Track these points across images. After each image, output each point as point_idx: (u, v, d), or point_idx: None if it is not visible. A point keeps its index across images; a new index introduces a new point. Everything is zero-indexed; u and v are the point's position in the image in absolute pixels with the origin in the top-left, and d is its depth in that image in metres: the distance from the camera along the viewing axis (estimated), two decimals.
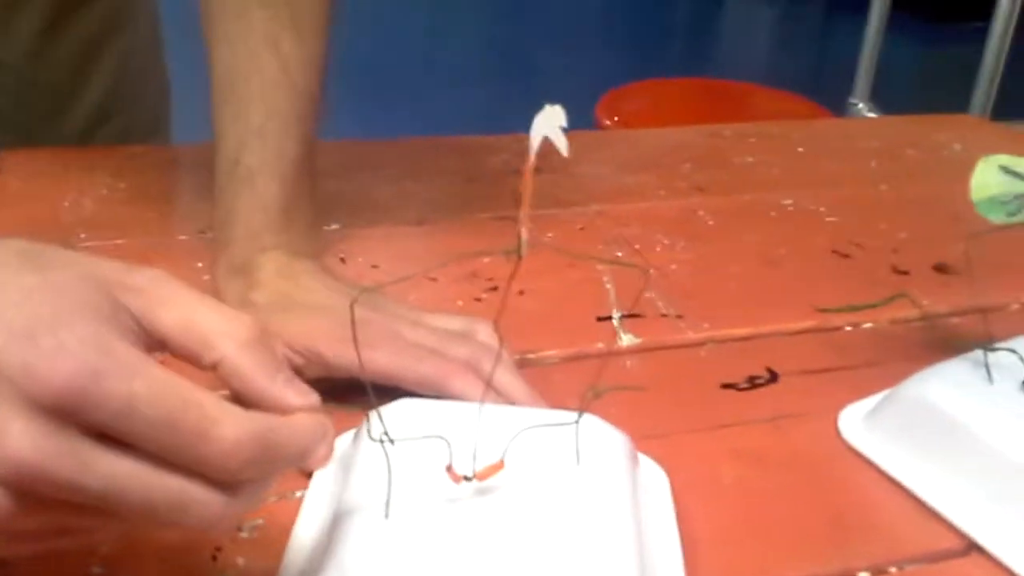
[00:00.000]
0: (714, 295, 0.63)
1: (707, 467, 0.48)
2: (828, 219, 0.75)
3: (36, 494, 0.29)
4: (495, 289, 0.62)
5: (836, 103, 2.21)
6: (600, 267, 0.65)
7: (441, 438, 0.38)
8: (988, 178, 0.51)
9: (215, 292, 0.54)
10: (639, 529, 0.39)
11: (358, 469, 0.40)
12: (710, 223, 0.73)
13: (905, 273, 0.68)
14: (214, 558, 0.41)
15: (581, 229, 0.71)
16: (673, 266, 0.66)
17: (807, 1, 4.86)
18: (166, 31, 0.91)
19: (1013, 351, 0.48)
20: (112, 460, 0.30)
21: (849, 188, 0.81)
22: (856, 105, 2.41)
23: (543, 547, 0.36)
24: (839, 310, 0.59)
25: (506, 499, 0.38)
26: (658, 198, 0.76)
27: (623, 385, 0.49)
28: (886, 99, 2.51)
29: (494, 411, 0.44)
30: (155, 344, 0.34)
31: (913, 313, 0.62)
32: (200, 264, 0.62)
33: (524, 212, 0.34)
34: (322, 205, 0.60)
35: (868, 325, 0.61)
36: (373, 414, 0.43)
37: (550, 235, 0.69)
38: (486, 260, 0.65)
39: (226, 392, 0.34)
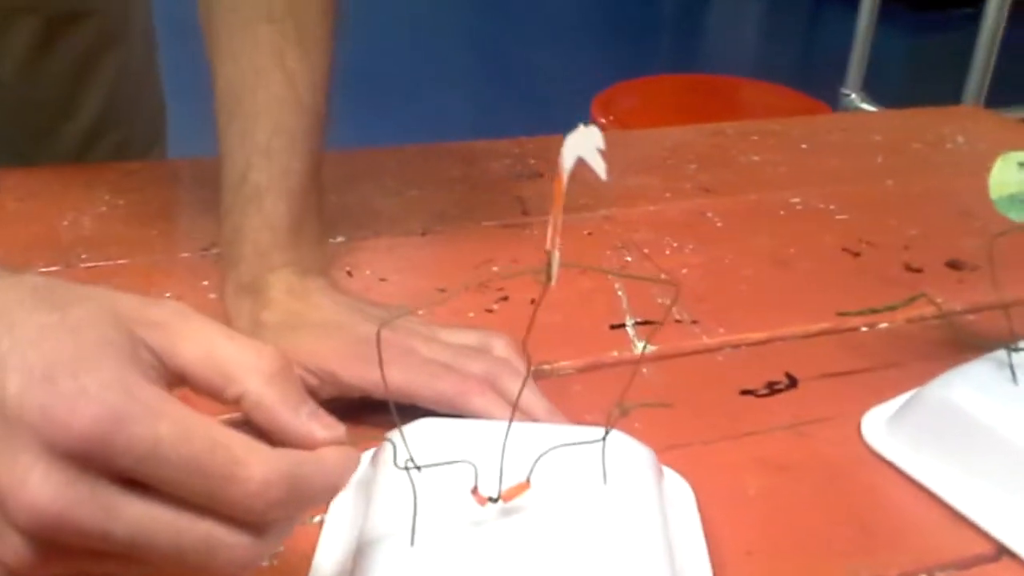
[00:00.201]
0: (727, 299, 0.62)
1: (731, 477, 0.47)
2: (837, 217, 0.74)
3: (58, 543, 0.28)
4: (506, 299, 0.61)
5: (827, 95, 2.20)
6: (611, 275, 0.64)
7: (467, 463, 0.37)
8: (1007, 176, 0.50)
9: (223, 312, 0.53)
10: (669, 546, 0.38)
11: (380, 494, 0.39)
12: (718, 225, 0.72)
13: (918, 271, 0.67)
14: None
15: (589, 234, 0.70)
16: (684, 270, 0.65)
17: None
18: (160, 45, 0.90)
19: None
20: (138, 506, 0.29)
21: (856, 185, 0.80)
22: (849, 96, 2.41)
23: (574, 571, 0.36)
24: (859, 313, 0.59)
25: (534, 521, 0.37)
26: (664, 200, 0.75)
27: (650, 402, 0.48)
28: (878, 89, 2.50)
29: (518, 429, 0.43)
30: (175, 379, 0.33)
31: (929, 311, 0.61)
32: (206, 282, 0.61)
33: (554, 236, 0.33)
34: (326, 218, 0.59)
35: (884, 325, 0.60)
36: (395, 438, 0.42)
37: (558, 240, 0.68)
38: (495, 269, 0.65)
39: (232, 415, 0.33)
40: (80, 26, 0.79)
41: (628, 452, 0.42)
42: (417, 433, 0.42)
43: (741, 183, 0.80)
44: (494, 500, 0.38)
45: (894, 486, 0.48)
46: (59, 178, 0.74)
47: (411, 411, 0.46)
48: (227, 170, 0.53)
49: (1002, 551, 0.44)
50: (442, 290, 0.62)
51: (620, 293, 0.62)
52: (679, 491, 0.45)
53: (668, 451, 0.46)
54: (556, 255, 0.34)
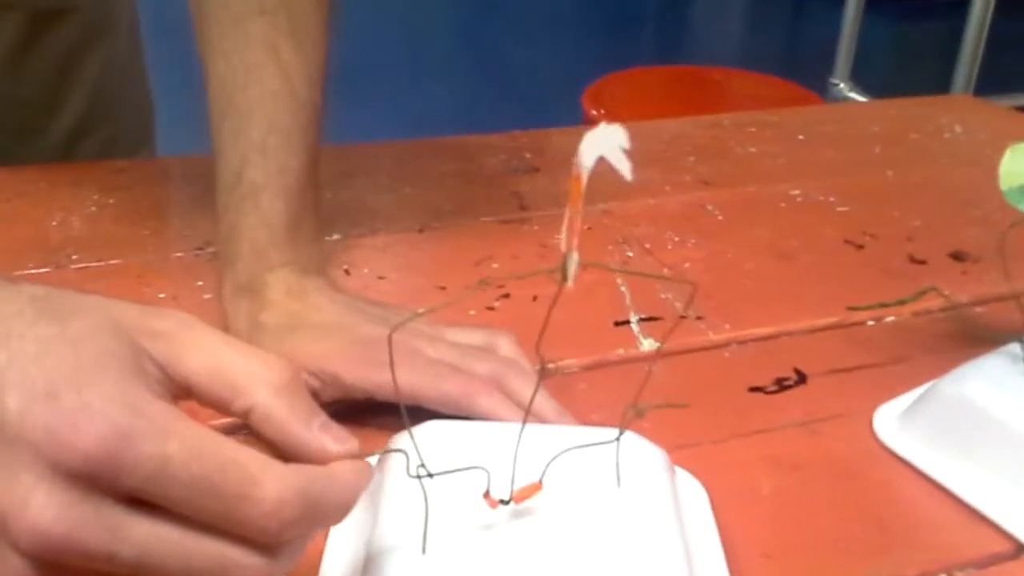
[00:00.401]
0: (731, 293, 0.61)
1: (743, 477, 0.46)
2: (838, 209, 0.73)
3: (62, 565, 0.26)
4: (508, 296, 0.60)
5: (815, 84, 2.20)
6: (613, 268, 0.63)
7: (480, 468, 0.36)
8: (1016, 167, 0.49)
9: (220, 312, 0.52)
10: (686, 550, 0.37)
11: (388, 501, 0.38)
12: (719, 218, 0.71)
13: (922, 262, 0.66)
14: None
15: (589, 229, 0.69)
16: (686, 264, 0.65)
17: None
18: (146, 40, 0.88)
19: None
20: (145, 526, 0.28)
21: (856, 176, 0.79)
22: (837, 85, 2.41)
23: (591, 573, 0.35)
24: (869, 308, 0.58)
25: (548, 527, 0.36)
26: (664, 194, 0.74)
27: (665, 403, 0.47)
28: (865, 79, 2.50)
29: (528, 431, 0.42)
30: (181, 392, 0.32)
31: (936, 304, 0.61)
32: (200, 283, 0.59)
33: (571, 237, 0.32)
34: (322, 216, 0.58)
35: (891, 319, 0.60)
36: (402, 443, 0.41)
37: (558, 237, 0.67)
38: (495, 266, 0.63)
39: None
40: (64, 22, 0.77)
41: (641, 453, 0.41)
42: (424, 436, 0.41)
43: (740, 175, 0.79)
44: (506, 502, 0.37)
45: (909, 484, 0.47)
46: (46, 177, 0.72)
47: (416, 412, 0.45)
48: (222, 169, 0.52)
49: (1021, 549, 0.43)
50: (442, 288, 0.61)
51: (623, 289, 0.61)
52: (692, 492, 0.44)
53: (678, 450, 0.45)
54: (575, 256, 0.32)
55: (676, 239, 0.68)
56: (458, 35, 3.96)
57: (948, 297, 0.57)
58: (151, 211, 0.69)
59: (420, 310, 0.55)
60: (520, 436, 0.38)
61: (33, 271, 0.60)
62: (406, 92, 3.14)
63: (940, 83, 2.29)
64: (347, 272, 0.61)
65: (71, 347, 0.28)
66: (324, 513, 0.31)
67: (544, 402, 0.46)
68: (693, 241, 0.68)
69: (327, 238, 0.64)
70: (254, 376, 0.32)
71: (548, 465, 0.38)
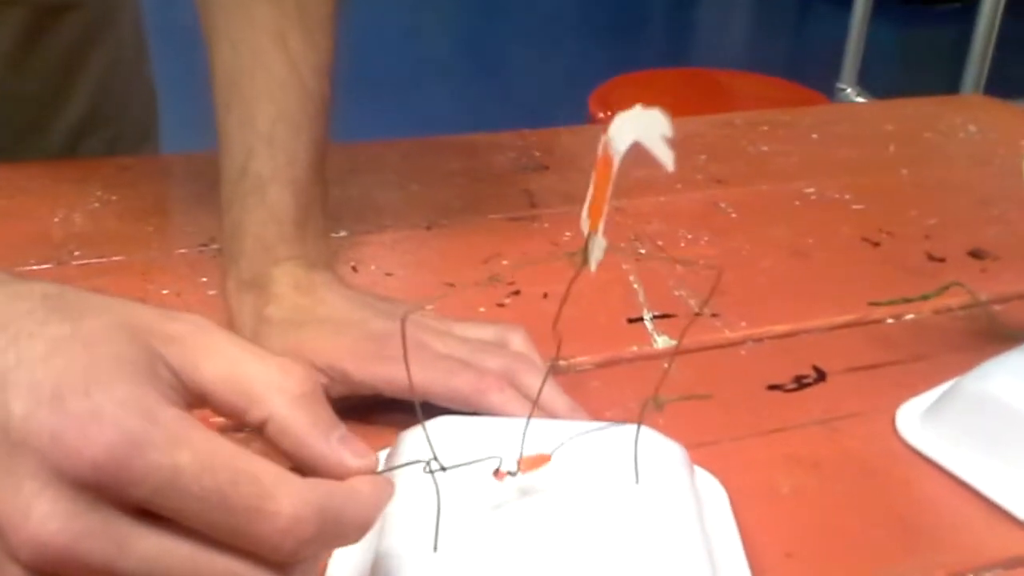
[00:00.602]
0: (747, 290, 0.60)
1: (763, 476, 0.45)
2: (854, 207, 0.72)
3: None
4: (518, 293, 0.59)
5: (822, 89, 2.19)
6: (626, 266, 0.62)
7: (494, 457, 0.35)
8: None
9: (225, 309, 0.51)
10: (708, 549, 0.36)
11: (398, 497, 0.37)
12: (732, 215, 0.70)
13: (941, 260, 0.65)
14: None
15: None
16: (700, 261, 0.63)
17: None
18: (150, 37, 0.87)
19: None
20: (152, 540, 0.26)
21: (870, 174, 0.78)
22: (844, 90, 2.39)
23: (611, 574, 0.33)
24: (891, 303, 0.56)
25: (565, 524, 0.35)
26: (676, 191, 0.73)
27: (685, 395, 0.46)
28: (872, 83, 2.49)
29: (541, 426, 0.40)
30: (195, 399, 0.30)
31: (956, 302, 0.59)
32: (205, 279, 0.58)
33: (597, 218, 0.30)
34: (329, 212, 0.56)
35: (911, 316, 0.58)
36: (411, 439, 0.39)
37: (568, 234, 0.66)
38: (505, 263, 0.62)
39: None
40: (67, 18, 0.76)
41: (659, 449, 0.39)
42: (434, 432, 0.39)
43: (753, 173, 0.77)
44: (513, 473, 0.36)
45: (933, 483, 0.46)
46: (49, 174, 0.71)
47: (425, 409, 0.44)
48: (226, 160, 0.50)
49: None
50: (450, 284, 0.60)
51: (636, 286, 0.60)
52: (712, 490, 0.42)
53: (696, 449, 0.43)
54: (600, 240, 0.31)
55: (689, 236, 0.66)
56: (463, 38, 3.95)
57: (971, 292, 0.55)
58: (155, 208, 0.67)
59: (428, 307, 0.54)
60: (528, 430, 0.36)
61: (35, 267, 0.59)
62: (411, 95, 3.13)
63: (948, 88, 2.28)
64: (354, 269, 0.60)
65: (82, 348, 0.27)
66: (342, 531, 0.29)
67: (556, 397, 0.44)
68: (706, 238, 0.66)
69: (333, 235, 0.63)
70: (271, 384, 0.31)
71: (561, 444, 0.37)
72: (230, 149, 0.50)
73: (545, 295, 0.58)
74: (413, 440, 0.39)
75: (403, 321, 0.33)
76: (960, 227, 0.70)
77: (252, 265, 0.49)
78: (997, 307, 0.60)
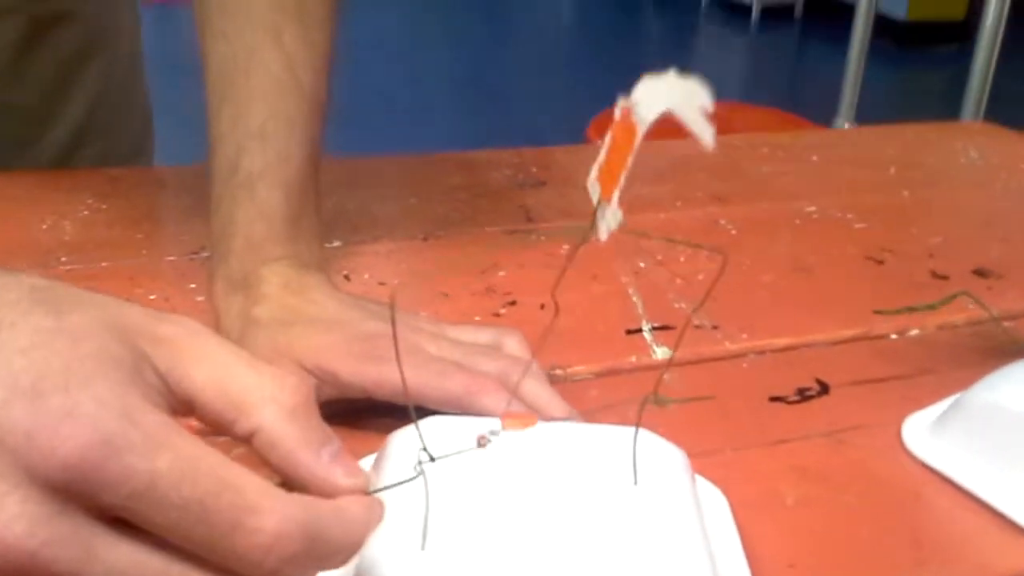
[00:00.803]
0: (748, 304, 0.59)
1: (766, 486, 0.43)
2: (856, 226, 0.71)
3: None
4: (514, 303, 0.57)
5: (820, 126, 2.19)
6: (624, 279, 0.61)
7: (486, 434, 0.33)
8: None
9: (212, 312, 0.49)
10: (709, 553, 0.34)
11: (385, 495, 0.35)
12: (733, 232, 0.69)
13: (945, 278, 0.64)
14: None
15: (595, 240, 0.66)
16: (700, 276, 0.62)
17: (780, 28, 4.91)
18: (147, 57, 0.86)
19: None
20: (123, 550, 0.25)
21: (872, 195, 0.77)
22: (843, 127, 2.39)
23: (607, 573, 0.32)
24: (897, 312, 0.55)
25: (560, 523, 0.33)
26: (675, 209, 0.72)
27: (689, 398, 0.44)
28: (871, 122, 2.49)
29: (536, 427, 0.39)
30: (182, 407, 0.29)
31: (962, 318, 0.58)
32: (193, 285, 0.57)
33: (611, 185, 0.28)
34: (323, 224, 0.55)
35: (915, 332, 0.57)
36: (401, 438, 0.38)
37: (565, 247, 0.65)
38: (501, 274, 0.61)
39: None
40: (64, 29, 0.76)
41: (659, 452, 0.38)
42: (425, 432, 0.38)
43: (753, 193, 0.76)
44: (495, 433, 0.34)
45: (942, 495, 0.44)
46: (39, 183, 0.70)
47: (416, 413, 0.42)
48: (218, 158, 0.49)
49: None
50: (445, 295, 0.58)
51: (635, 298, 0.59)
52: (713, 499, 0.41)
53: (697, 459, 0.42)
54: (614, 209, 0.29)
55: (689, 251, 0.65)
56: (461, 69, 3.98)
57: (979, 302, 0.54)
58: (145, 217, 0.66)
59: (423, 313, 0.52)
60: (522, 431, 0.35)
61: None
62: (411, 124, 3.14)
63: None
64: (347, 278, 0.59)
65: (66, 343, 0.26)
66: (327, 552, 0.28)
67: (552, 401, 0.43)
68: (707, 254, 0.65)
69: (327, 244, 0.61)
70: (263, 395, 0.30)
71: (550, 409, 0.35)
72: (221, 146, 0.49)
73: (542, 306, 0.57)
74: (402, 439, 0.38)
75: (392, 319, 0.31)
76: (964, 246, 0.69)
77: (242, 264, 0.47)
78: (1006, 323, 0.59)
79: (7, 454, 0.24)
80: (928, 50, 4.43)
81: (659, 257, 0.64)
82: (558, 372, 0.51)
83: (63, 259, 0.60)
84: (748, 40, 4.79)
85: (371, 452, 0.40)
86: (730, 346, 0.54)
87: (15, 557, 0.24)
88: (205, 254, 0.59)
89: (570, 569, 0.32)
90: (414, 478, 0.33)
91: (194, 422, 0.31)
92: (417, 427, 0.33)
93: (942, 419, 0.47)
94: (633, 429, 0.37)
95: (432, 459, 0.32)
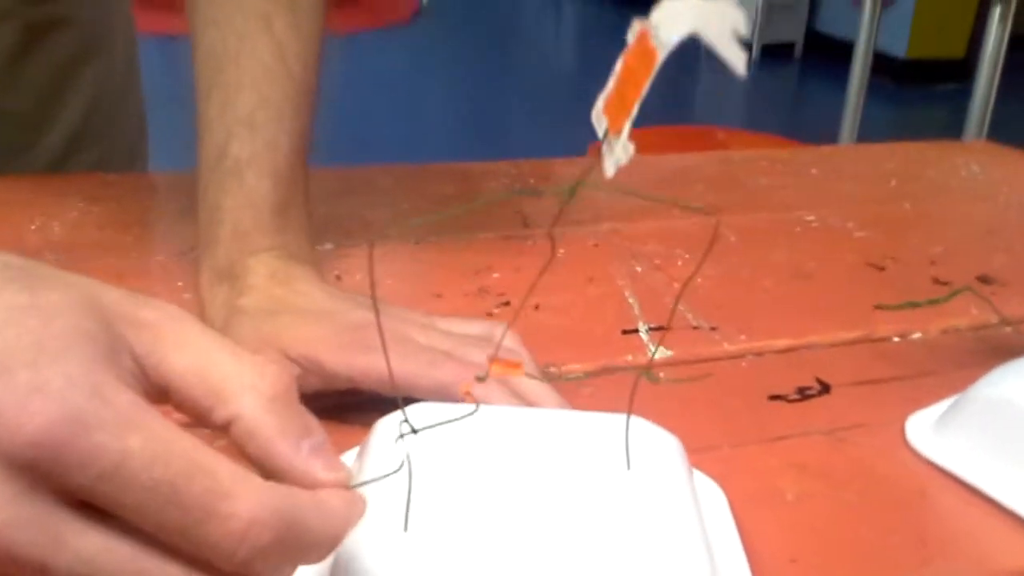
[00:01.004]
0: (748, 307, 0.58)
1: (766, 482, 0.42)
2: (856, 235, 0.70)
3: None
4: (507, 304, 0.56)
5: None
6: (621, 282, 0.60)
7: (470, 414, 0.32)
8: None
9: (198, 304, 0.48)
10: (705, 539, 0.33)
11: (368, 476, 0.34)
12: (732, 239, 0.68)
13: (947, 284, 0.63)
14: None
15: (595, 246, 0.66)
16: (699, 279, 0.61)
17: (780, 66, 4.93)
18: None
19: None
20: (92, 537, 0.24)
21: (872, 206, 0.76)
22: None
23: (598, 563, 0.30)
24: (899, 307, 0.54)
25: (549, 506, 0.32)
26: (673, 217, 0.71)
27: (684, 378, 0.43)
28: None
29: (526, 415, 0.38)
30: (156, 393, 0.28)
31: (964, 323, 0.57)
32: (180, 283, 0.56)
33: (624, 119, 0.27)
34: (313, 227, 0.54)
35: (917, 335, 0.56)
36: (387, 424, 0.37)
37: (562, 251, 0.64)
38: (495, 276, 0.60)
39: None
40: (59, 35, 0.76)
41: (652, 438, 0.36)
42: (413, 417, 0.37)
43: (752, 203, 0.76)
44: (482, 378, 0.34)
45: (946, 492, 0.42)
46: (30, 187, 0.70)
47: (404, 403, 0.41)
48: (205, 145, 0.48)
49: None
50: (438, 295, 0.57)
51: (631, 300, 0.58)
52: (710, 493, 0.39)
53: (694, 453, 0.40)
54: (624, 142, 0.27)
55: (687, 256, 0.64)
56: (461, 100, 3.99)
57: (987, 300, 0.53)
58: (136, 220, 0.65)
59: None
60: (512, 418, 0.34)
61: None
62: (408, 152, 3.15)
63: None
64: (339, 278, 0.58)
65: (38, 319, 0.25)
66: (304, 544, 0.27)
67: (543, 392, 0.42)
68: (706, 259, 0.64)
69: (318, 247, 0.60)
70: (243, 383, 0.29)
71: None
72: (209, 133, 0.48)
73: (537, 306, 0.56)
74: (387, 426, 0.37)
75: (375, 307, 0.30)
76: (966, 255, 0.68)
77: (228, 254, 0.46)
78: (1008, 329, 0.58)
79: None
80: (928, 88, 4.45)
81: (656, 261, 0.63)
82: (552, 370, 0.49)
83: (50, 258, 0.59)
84: (748, 78, 4.81)
85: (358, 445, 0.39)
86: (729, 347, 0.53)
87: None
88: (194, 254, 0.58)
89: (560, 553, 0.30)
90: (397, 470, 0.32)
91: (175, 414, 0.30)
92: (400, 403, 0.32)
93: (946, 416, 0.45)
94: (625, 416, 0.36)
95: (415, 431, 0.31)
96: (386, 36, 4.99)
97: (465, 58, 4.72)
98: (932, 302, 0.54)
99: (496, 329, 0.46)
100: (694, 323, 0.55)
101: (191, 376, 0.28)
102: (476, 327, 0.46)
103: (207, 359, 0.29)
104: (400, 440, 0.32)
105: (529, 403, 0.42)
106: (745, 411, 0.47)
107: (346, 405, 0.43)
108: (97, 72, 0.78)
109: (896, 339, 0.55)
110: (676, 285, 0.60)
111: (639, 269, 0.62)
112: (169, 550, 0.25)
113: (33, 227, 0.63)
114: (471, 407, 0.39)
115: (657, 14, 0.25)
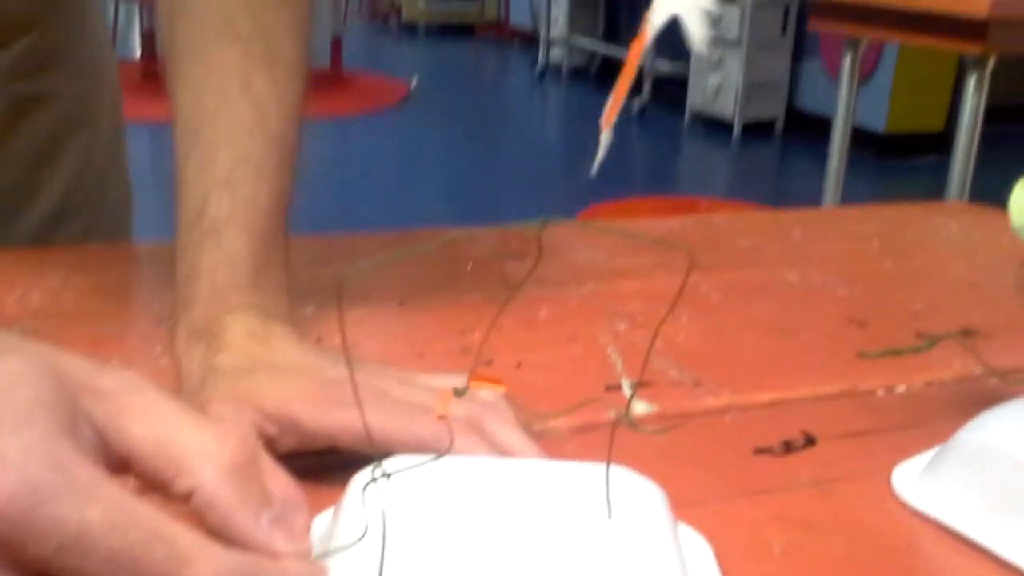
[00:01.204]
0: (731, 362, 0.57)
1: (752, 535, 0.41)
2: (838, 293, 0.70)
3: None
4: (490, 363, 0.56)
5: None
6: (603, 339, 0.60)
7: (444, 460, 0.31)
8: None
9: (175, 370, 0.47)
10: None
11: (342, 527, 0.33)
12: (714, 297, 0.68)
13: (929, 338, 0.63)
14: None
15: (577, 306, 0.65)
16: (681, 336, 0.61)
17: (761, 143, 5.01)
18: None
19: None
20: None
21: (854, 265, 0.77)
22: None
23: None
24: (881, 355, 0.54)
25: (529, 557, 0.31)
26: (656, 277, 0.71)
27: (661, 428, 0.43)
28: None
29: (505, 466, 0.37)
30: (117, 463, 0.28)
31: (949, 375, 0.57)
32: (158, 349, 0.55)
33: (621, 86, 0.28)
34: (294, 291, 0.54)
35: (902, 388, 0.55)
36: (360, 477, 0.36)
37: (544, 311, 0.64)
38: (478, 335, 0.60)
39: None
40: (45, 109, 0.76)
41: (634, 487, 0.36)
42: (392, 470, 0.36)
43: (734, 262, 0.76)
44: (461, 392, 0.33)
45: (936, 542, 0.42)
46: (13, 259, 0.69)
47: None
48: (184, 207, 0.48)
49: None
50: (420, 355, 0.57)
51: (614, 357, 0.57)
52: (695, 544, 0.39)
53: (679, 508, 0.40)
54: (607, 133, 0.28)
55: (670, 313, 0.64)
56: (450, 184, 4.03)
57: (970, 348, 0.53)
58: (116, 288, 0.65)
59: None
60: (492, 469, 0.33)
61: None
62: (396, 221, 3.17)
63: None
64: (319, 340, 0.57)
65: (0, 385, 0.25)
66: None
67: (524, 445, 0.41)
68: (687, 316, 0.64)
69: (300, 310, 0.60)
70: (203, 453, 0.29)
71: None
72: (188, 194, 0.48)
73: (519, 364, 0.56)
74: (363, 479, 0.36)
75: (347, 360, 0.31)
76: (948, 310, 0.68)
77: (205, 312, 0.46)
78: (994, 381, 0.57)
79: None
80: (908, 160, 4.53)
81: (639, 319, 0.63)
82: (534, 428, 0.49)
83: (28, 325, 0.58)
84: (730, 155, 4.89)
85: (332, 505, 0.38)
86: (713, 401, 0.53)
87: None
88: (172, 321, 0.58)
89: None
90: (362, 537, 0.31)
91: (134, 481, 0.30)
92: (370, 436, 0.32)
93: (932, 465, 0.45)
94: (605, 465, 0.35)
95: (387, 475, 0.30)
96: (375, 120, 5.07)
97: (452, 138, 4.79)
98: (915, 349, 0.53)
99: (480, 387, 0.45)
100: (677, 378, 0.55)
101: (151, 446, 0.29)
102: (456, 380, 0.45)
103: (167, 429, 0.29)
104: (373, 487, 0.31)
105: (507, 455, 0.41)
106: (730, 464, 0.47)
107: (326, 465, 0.43)
108: (83, 144, 0.79)
109: (881, 392, 0.55)
110: (660, 342, 0.60)
111: (622, 327, 0.62)
112: None
113: (13, 297, 0.62)
114: (451, 458, 0.39)
115: (652, 9, 0.27)
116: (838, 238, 0.84)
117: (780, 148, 5.02)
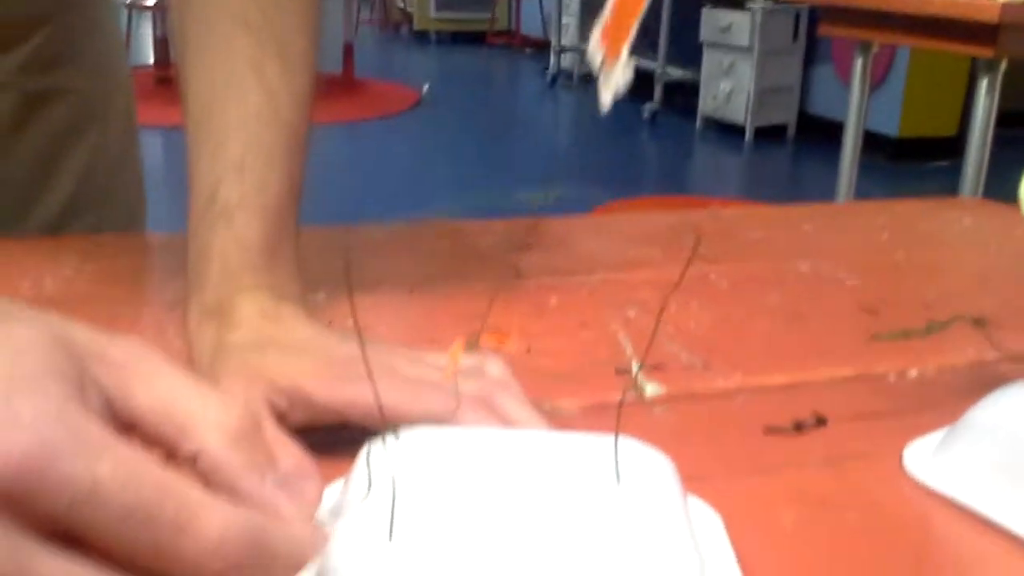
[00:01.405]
0: (741, 347, 0.57)
1: (764, 510, 0.41)
2: (849, 282, 0.70)
3: None
4: (499, 348, 0.56)
5: None
6: (614, 326, 0.60)
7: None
8: None
9: (186, 346, 0.48)
10: (700, 559, 0.32)
11: (352, 505, 0.33)
12: (724, 286, 0.68)
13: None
14: None
15: (588, 294, 0.65)
16: (691, 323, 0.61)
17: (774, 147, 5.01)
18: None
19: None
20: (62, 565, 0.24)
21: (865, 256, 0.76)
22: None
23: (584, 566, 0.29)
24: (894, 336, 0.54)
25: (537, 520, 0.31)
26: (666, 267, 0.71)
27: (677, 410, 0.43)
28: None
29: (514, 436, 0.37)
30: (124, 429, 0.29)
31: (961, 360, 0.57)
32: (171, 333, 0.55)
33: (626, 45, 0.27)
34: (306, 279, 0.54)
35: (914, 372, 0.55)
36: (374, 449, 0.36)
37: (555, 300, 0.64)
38: (489, 322, 0.60)
39: None
40: (57, 105, 0.77)
41: (642, 457, 0.36)
42: (403, 443, 0.36)
43: (745, 254, 0.76)
44: (472, 344, 0.33)
45: (948, 518, 0.42)
46: (26, 248, 0.70)
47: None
48: (195, 192, 0.49)
49: None
50: (432, 340, 0.57)
51: (624, 343, 0.57)
52: (706, 517, 0.39)
53: (689, 482, 0.40)
54: (624, 62, 0.27)
55: (680, 301, 0.64)
56: (462, 190, 4.04)
57: (981, 324, 0.52)
58: (128, 276, 0.66)
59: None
60: (503, 441, 0.33)
61: None
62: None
63: None
64: (331, 323, 0.58)
65: (10, 352, 0.26)
66: (272, 565, 0.27)
67: (533, 419, 0.41)
68: (697, 304, 0.64)
69: (311, 295, 0.60)
70: (207, 418, 0.30)
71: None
72: (200, 180, 0.48)
73: (528, 350, 0.56)
74: (375, 446, 0.36)
75: (359, 335, 0.31)
76: (960, 299, 0.68)
77: (216, 292, 0.46)
78: (1003, 367, 0.57)
79: None
80: (920, 165, 4.51)
81: (649, 306, 0.63)
82: (544, 407, 0.49)
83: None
84: (742, 159, 4.88)
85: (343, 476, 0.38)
86: (723, 383, 0.53)
87: None
88: (185, 305, 0.58)
89: (549, 566, 0.30)
90: (369, 493, 0.31)
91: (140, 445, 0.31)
92: (380, 410, 0.32)
93: (945, 443, 0.45)
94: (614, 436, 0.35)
95: (396, 435, 0.31)
96: (387, 124, 5.09)
97: (463, 143, 4.80)
98: (928, 331, 0.53)
99: (486, 360, 0.45)
100: (687, 361, 0.55)
101: (157, 412, 0.29)
102: (466, 359, 0.45)
103: (173, 395, 0.30)
104: (383, 453, 0.31)
105: (515, 427, 0.41)
106: (740, 443, 0.47)
107: (337, 440, 0.43)
108: (95, 140, 0.79)
109: (892, 377, 0.55)
110: (671, 327, 0.60)
111: (632, 314, 0.62)
112: (140, 573, 0.25)
113: (25, 284, 0.63)
114: (463, 428, 0.39)
115: None
116: (849, 231, 0.84)
117: (792, 153, 5.01)
